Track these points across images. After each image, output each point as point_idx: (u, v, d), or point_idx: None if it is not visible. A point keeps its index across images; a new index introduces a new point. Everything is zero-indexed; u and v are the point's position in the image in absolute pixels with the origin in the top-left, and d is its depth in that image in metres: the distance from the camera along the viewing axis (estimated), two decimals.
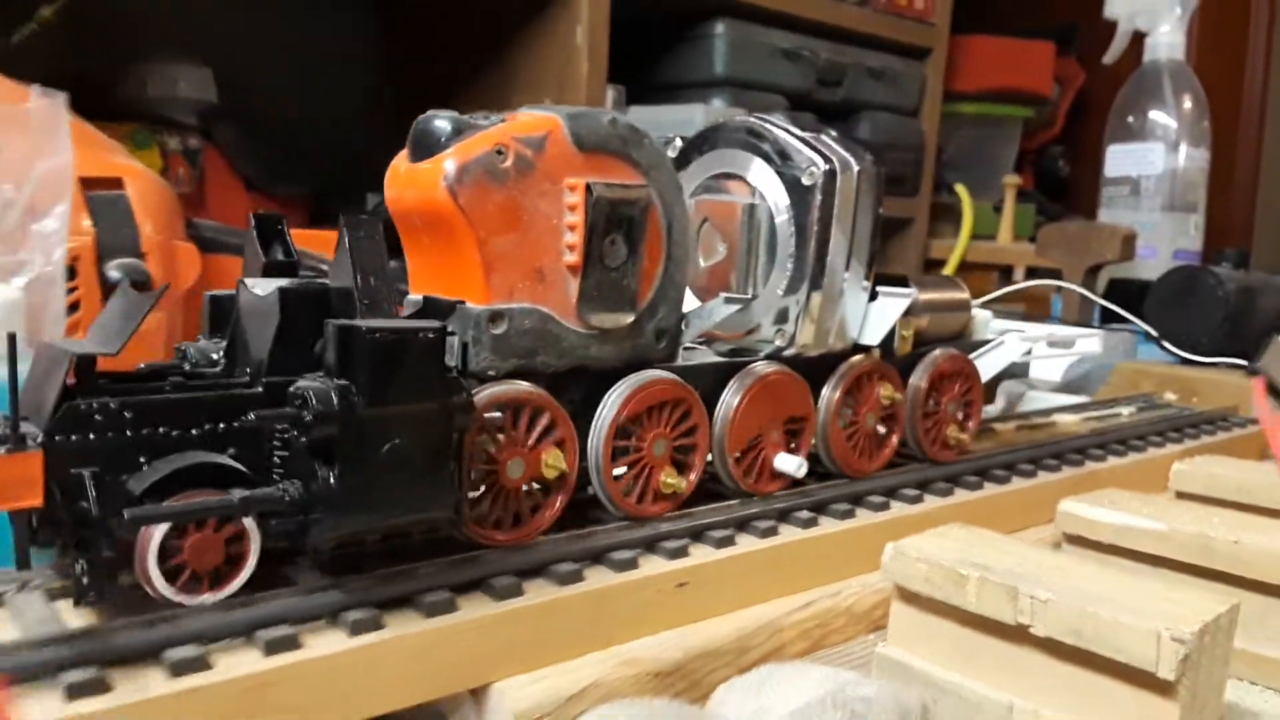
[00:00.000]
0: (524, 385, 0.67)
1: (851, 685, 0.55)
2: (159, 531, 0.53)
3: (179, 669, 0.50)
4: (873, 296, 0.88)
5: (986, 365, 1.03)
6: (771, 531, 0.77)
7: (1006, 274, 2.56)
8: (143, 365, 0.61)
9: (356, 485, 0.54)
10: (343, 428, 0.53)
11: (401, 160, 0.68)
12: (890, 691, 0.56)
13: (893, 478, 0.91)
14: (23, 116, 0.89)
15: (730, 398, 0.79)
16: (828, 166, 0.80)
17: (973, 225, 2.54)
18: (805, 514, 0.80)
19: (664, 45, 2.01)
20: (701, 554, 0.72)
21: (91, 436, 0.53)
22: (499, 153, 0.65)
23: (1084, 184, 2.92)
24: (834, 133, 0.85)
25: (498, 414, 0.65)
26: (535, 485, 0.68)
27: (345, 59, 2.12)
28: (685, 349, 0.84)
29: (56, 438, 0.51)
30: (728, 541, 0.74)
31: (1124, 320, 1.67)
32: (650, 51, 2.00)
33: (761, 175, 0.83)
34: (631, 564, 0.68)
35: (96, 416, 0.53)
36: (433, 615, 0.58)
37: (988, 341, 1.05)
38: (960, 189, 2.59)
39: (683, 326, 0.79)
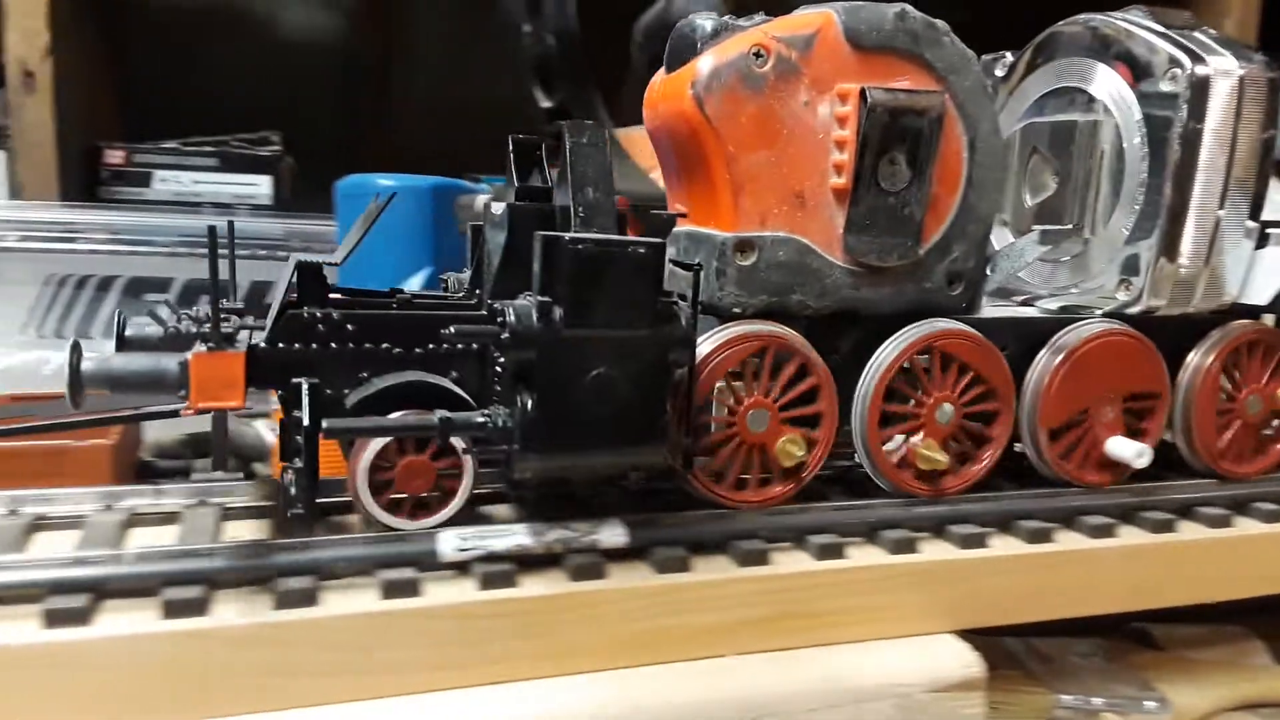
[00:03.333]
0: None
1: None
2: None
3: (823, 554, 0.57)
4: (1261, 243, 0.67)
5: None
6: None
7: None
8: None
9: (556, 416, 0.49)
10: (541, 349, 0.48)
11: (659, 75, 0.62)
12: None
13: None
14: None
15: (1046, 361, 0.64)
16: (1199, 70, 0.62)
17: None
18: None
19: None
20: None
21: (313, 346, 0.52)
22: (757, 55, 0.56)
23: None
24: (1212, 30, 0.66)
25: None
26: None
27: None
28: (997, 302, 0.70)
29: (278, 344, 0.51)
30: None
31: None
32: None
33: (1108, 85, 0.67)
34: None
35: (319, 326, 0.52)
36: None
37: None
38: None
39: (987, 271, 0.65)
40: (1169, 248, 0.64)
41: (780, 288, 0.58)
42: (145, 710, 0.45)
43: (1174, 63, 0.62)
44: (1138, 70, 0.65)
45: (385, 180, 0.90)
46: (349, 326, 0.53)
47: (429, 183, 0.90)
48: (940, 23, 0.59)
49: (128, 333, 0.54)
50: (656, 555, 0.53)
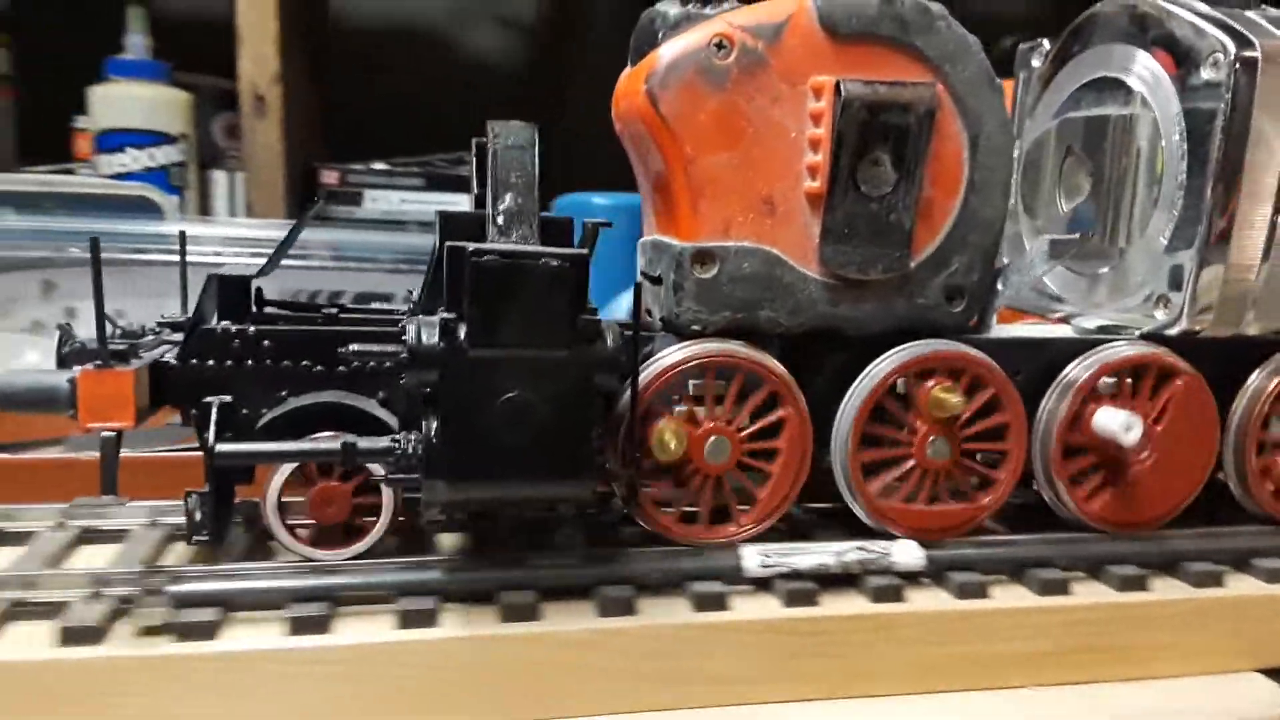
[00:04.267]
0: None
1: None
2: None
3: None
4: None
5: None
6: None
7: None
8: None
9: (464, 443, 0.44)
10: (444, 370, 0.43)
11: (626, 70, 0.57)
12: None
13: None
14: None
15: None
16: (1244, 52, 0.53)
17: None
18: None
19: None
20: None
21: (227, 363, 0.49)
22: (718, 46, 0.51)
23: None
24: (1274, 9, 0.57)
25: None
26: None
27: None
28: (1029, 322, 0.63)
29: (189, 361, 0.49)
30: None
31: None
32: None
33: (1146, 74, 0.58)
34: None
35: (234, 343, 0.49)
36: None
37: None
38: None
39: (999, 285, 0.58)
40: (1213, 258, 0.56)
41: (746, 303, 0.53)
42: (487, 708, 0.46)
43: (1216, 46, 0.54)
44: (1178, 56, 0.56)
45: (600, 199, 0.93)
46: (265, 343, 0.49)
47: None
48: (936, 6, 0.53)
49: (65, 350, 0.52)
50: (953, 580, 0.53)
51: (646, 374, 0.51)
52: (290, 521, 0.49)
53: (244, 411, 0.49)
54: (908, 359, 0.54)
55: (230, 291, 0.51)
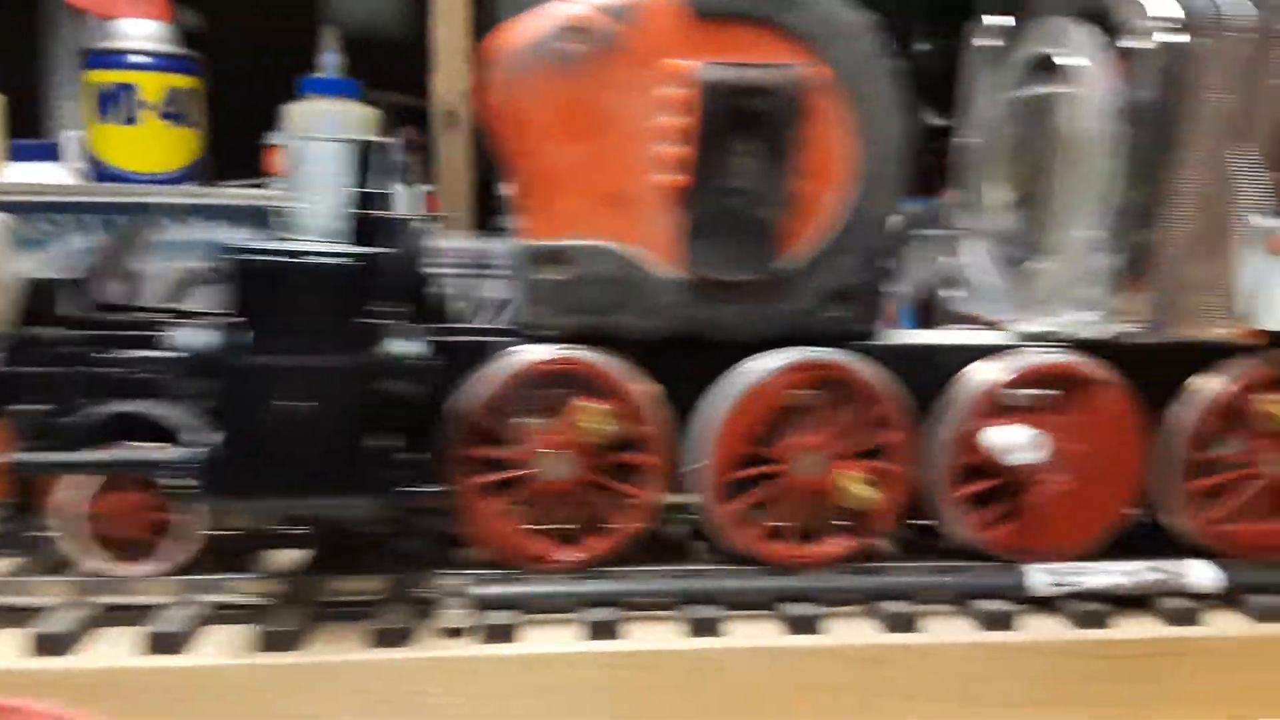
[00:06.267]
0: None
1: None
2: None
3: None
4: None
5: None
6: None
7: None
8: None
9: (240, 451, 0.41)
10: (217, 377, 0.40)
11: None
12: None
13: None
14: None
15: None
16: (1180, 20, 0.46)
17: None
18: None
19: None
20: None
21: (35, 368, 0.47)
22: (569, 30, 0.46)
23: None
24: None
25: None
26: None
27: None
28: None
29: (12, 368, 0.47)
30: None
31: None
32: None
33: (1085, 50, 0.52)
34: None
35: (56, 348, 0.47)
36: None
37: None
38: None
39: (887, 288, 0.52)
40: (1140, 251, 0.49)
41: (598, 306, 0.48)
42: (767, 713, 0.46)
43: (1147, 17, 0.47)
44: (1116, 30, 0.50)
45: None
46: (70, 349, 0.47)
47: None
48: None
49: None
50: (1251, 603, 0.50)
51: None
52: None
53: (62, 420, 0.47)
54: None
55: (50, 296, 0.49)
